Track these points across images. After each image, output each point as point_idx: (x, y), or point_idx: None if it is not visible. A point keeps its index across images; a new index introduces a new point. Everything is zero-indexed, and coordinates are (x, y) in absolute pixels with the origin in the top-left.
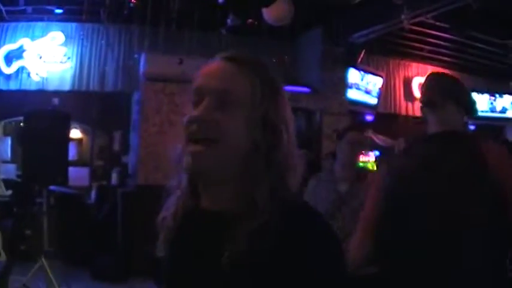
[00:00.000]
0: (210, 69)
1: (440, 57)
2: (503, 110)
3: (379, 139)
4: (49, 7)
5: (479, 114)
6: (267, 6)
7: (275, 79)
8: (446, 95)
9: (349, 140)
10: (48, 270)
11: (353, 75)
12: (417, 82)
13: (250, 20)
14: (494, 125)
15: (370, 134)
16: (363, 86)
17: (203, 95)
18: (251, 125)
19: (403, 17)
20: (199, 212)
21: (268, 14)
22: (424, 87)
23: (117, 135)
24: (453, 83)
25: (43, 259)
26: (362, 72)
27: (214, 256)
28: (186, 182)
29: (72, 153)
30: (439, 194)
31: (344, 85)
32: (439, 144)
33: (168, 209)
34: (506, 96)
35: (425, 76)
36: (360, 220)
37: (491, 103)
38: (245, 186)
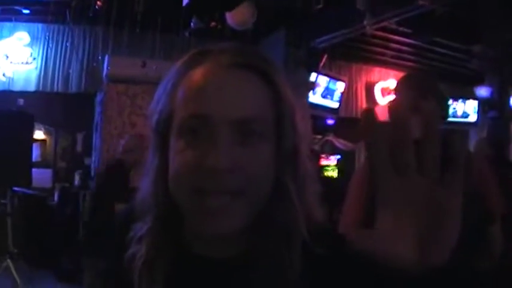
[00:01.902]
0: (219, 84)
1: (403, 62)
2: (465, 115)
3: (339, 143)
4: (17, 7)
5: None
6: (230, 10)
7: (286, 86)
8: (428, 98)
9: None
10: (14, 271)
11: (315, 79)
12: (379, 87)
13: (213, 23)
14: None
15: (331, 137)
16: (325, 90)
17: (214, 126)
18: (275, 155)
19: (365, 22)
20: (193, 259)
21: (232, 18)
22: (404, 87)
23: (80, 137)
24: (435, 85)
25: (8, 260)
26: (324, 77)
27: None
28: (165, 226)
29: (36, 154)
30: None
31: (306, 89)
32: None
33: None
34: (469, 102)
35: (402, 77)
36: (350, 188)
37: (453, 108)
38: (263, 228)
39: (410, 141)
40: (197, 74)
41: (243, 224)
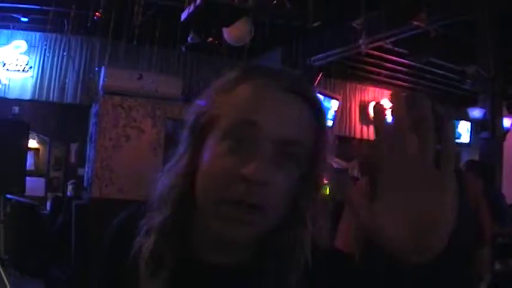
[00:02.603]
0: (274, 102)
1: (398, 82)
2: (457, 136)
3: (333, 161)
4: (15, 15)
5: None
6: (227, 26)
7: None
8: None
9: None
10: (5, 278)
11: None
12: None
13: (210, 39)
14: None
15: None
16: None
17: (259, 139)
18: (299, 180)
19: (360, 41)
20: (197, 264)
21: (229, 34)
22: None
23: (74, 147)
24: (432, 106)
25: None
26: (319, 95)
27: None
28: (176, 222)
29: (29, 163)
30: None
31: None
32: None
33: (153, 257)
34: (462, 123)
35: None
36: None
37: None
38: (271, 244)
39: (410, 136)
40: (253, 87)
41: (257, 234)
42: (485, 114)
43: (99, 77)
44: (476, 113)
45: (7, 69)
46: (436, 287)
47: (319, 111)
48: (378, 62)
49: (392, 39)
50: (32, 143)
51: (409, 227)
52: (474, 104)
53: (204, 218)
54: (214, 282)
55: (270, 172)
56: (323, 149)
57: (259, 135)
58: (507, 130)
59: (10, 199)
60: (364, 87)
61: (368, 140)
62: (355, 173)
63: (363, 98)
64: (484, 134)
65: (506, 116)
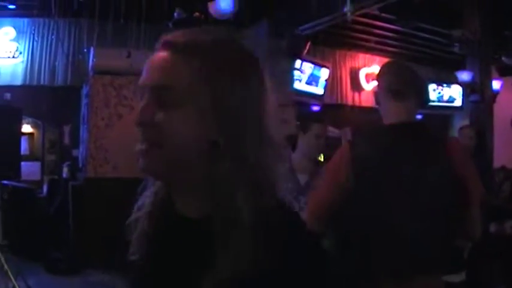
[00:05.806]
0: (151, 60)
1: (387, 47)
2: (451, 100)
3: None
4: (2, 3)
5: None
6: (212, 0)
7: (232, 58)
8: (410, 85)
9: (316, 133)
10: (5, 264)
11: (299, 66)
12: (364, 73)
13: (196, 14)
14: (442, 114)
15: None
16: (310, 77)
17: (144, 92)
18: (204, 120)
19: (345, 9)
20: (177, 217)
21: (214, 8)
22: (385, 75)
23: (67, 129)
24: (415, 74)
25: None
26: (308, 63)
27: (193, 273)
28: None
29: (24, 147)
30: (405, 189)
31: (290, 76)
32: (405, 134)
33: (141, 209)
34: (454, 86)
35: (385, 64)
36: (311, 200)
37: (439, 92)
38: (215, 193)
39: None
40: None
41: (161, 169)
42: (473, 77)
43: (88, 57)
44: (464, 76)
45: None
46: None
47: (198, 54)
48: (366, 28)
49: (377, 5)
50: (26, 128)
51: None
52: (464, 67)
53: None
54: (188, 234)
55: (149, 114)
56: (221, 84)
57: (143, 89)
58: (497, 92)
59: (6, 185)
60: (353, 54)
61: (360, 107)
62: (348, 138)
63: (353, 65)
64: (474, 97)
65: (496, 79)
